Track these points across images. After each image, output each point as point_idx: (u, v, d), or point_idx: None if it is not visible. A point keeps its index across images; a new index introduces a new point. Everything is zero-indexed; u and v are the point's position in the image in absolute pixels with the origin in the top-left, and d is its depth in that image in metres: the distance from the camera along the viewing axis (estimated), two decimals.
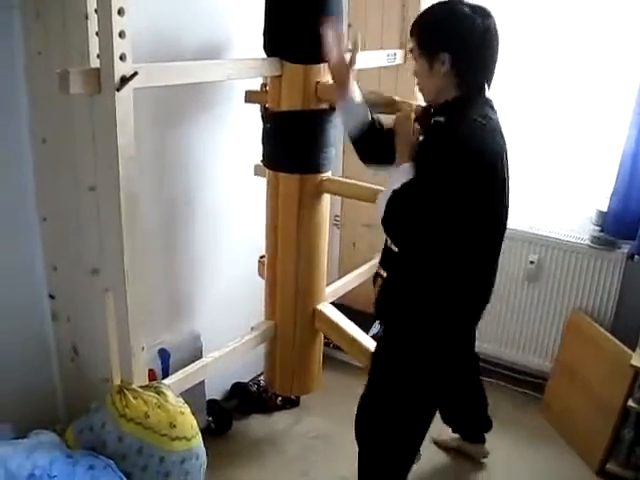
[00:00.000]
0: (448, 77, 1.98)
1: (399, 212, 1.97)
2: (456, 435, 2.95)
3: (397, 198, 1.96)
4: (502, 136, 2.00)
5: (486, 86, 2.04)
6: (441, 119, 2.01)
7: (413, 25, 2.05)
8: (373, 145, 2.29)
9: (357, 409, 2.40)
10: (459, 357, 2.37)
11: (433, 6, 2.04)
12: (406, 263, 2.14)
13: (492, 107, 2.04)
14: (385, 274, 2.22)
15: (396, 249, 2.15)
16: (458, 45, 1.95)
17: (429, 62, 1.99)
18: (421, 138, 2.09)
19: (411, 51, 2.07)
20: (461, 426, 2.92)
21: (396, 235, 2.08)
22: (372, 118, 2.26)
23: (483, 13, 1.95)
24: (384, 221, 2.01)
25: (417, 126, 2.13)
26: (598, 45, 3.00)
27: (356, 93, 2.22)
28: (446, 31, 1.96)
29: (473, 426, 2.91)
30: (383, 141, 2.21)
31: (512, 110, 2.95)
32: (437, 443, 3.01)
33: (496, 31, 1.97)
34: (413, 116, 2.15)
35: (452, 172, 1.89)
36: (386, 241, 2.23)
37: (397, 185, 1.96)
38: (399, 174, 2.01)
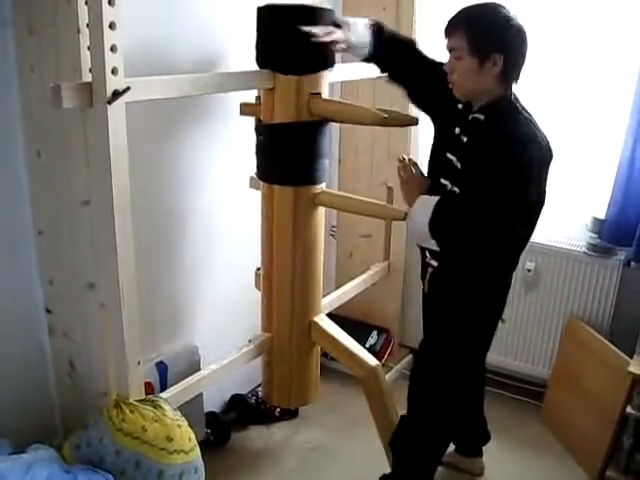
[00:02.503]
0: (496, 77, 2.08)
1: (452, 220, 2.14)
2: (451, 449, 2.93)
3: (450, 205, 2.14)
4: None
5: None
6: (480, 117, 2.15)
7: (457, 24, 2.11)
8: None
9: (409, 385, 2.56)
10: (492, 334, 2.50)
11: (476, 7, 2.11)
12: (451, 258, 2.31)
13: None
14: (436, 264, 2.37)
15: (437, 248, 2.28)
16: (512, 47, 2.07)
17: (480, 61, 2.06)
18: (461, 135, 2.20)
19: (453, 49, 2.12)
20: (459, 437, 2.91)
21: (445, 239, 2.20)
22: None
23: (514, 16, 2.08)
24: (433, 226, 2.14)
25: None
26: (594, 51, 3.00)
27: None
28: (501, 33, 2.05)
29: (471, 438, 2.90)
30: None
31: None
32: None
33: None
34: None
35: (508, 175, 2.03)
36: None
37: (429, 209, 2.13)
38: (424, 203, 2.18)
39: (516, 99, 2.17)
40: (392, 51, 2.47)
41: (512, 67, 2.09)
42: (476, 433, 2.88)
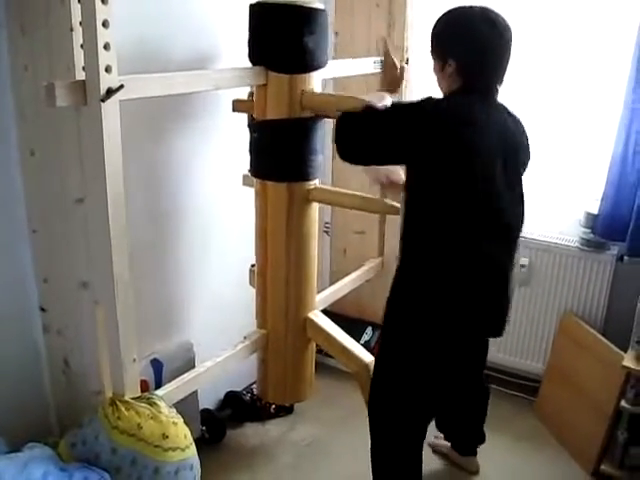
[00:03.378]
0: (454, 78, 2.13)
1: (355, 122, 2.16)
2: (448, 443, 2.96)
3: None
4: (497, 134, 2.10)
5: (495, 89, 2.17)
6: None
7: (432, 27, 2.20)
8: None
9: (369, 396, 2.46)
10: (462, 350, 2.39)
11: (446, 13, 2.16)
12: (403, 247, 2.23)
13: (498, 109, 2.18)
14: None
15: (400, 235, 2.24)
16: (461, 53, 2.11)
17: (440, 65, 2.16)
18: None
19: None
20: (454, 436, 2.92)
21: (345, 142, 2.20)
22: None
23: (490, 20, 2.08)
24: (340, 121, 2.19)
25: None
26: (587, 48, 3.00)
27: None
28: (451, 40, 2.14)
29: (466, 438, 2.90)
30: None
31: None
32: (432, 447, 3.00)
33: (504, 37, 2.10)
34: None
35: (413, 114, 2.05)
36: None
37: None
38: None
39: (490, 103, 2.15)
40: None
41: (468, 72, 2.11)
42: (471, 435, 2.88)
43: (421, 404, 2.37)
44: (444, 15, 2.16)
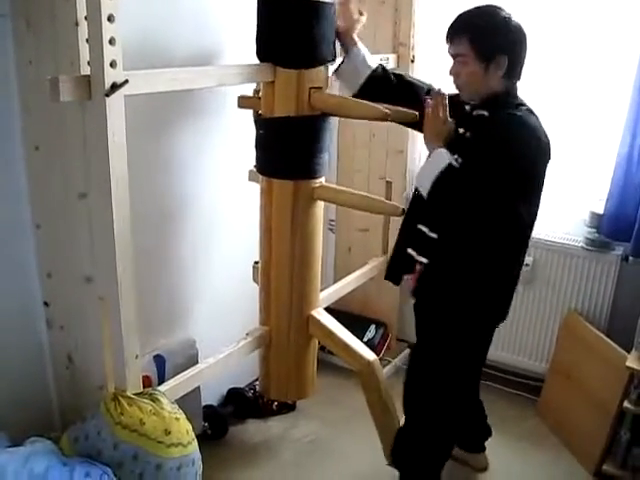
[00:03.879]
0: (501, 77, 2.14)
1: (449, 190, 2.11)
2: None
3: (449, 177, 2.08)
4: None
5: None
6: (484, 113, 2.18)
7: (460, 30, 2.15)
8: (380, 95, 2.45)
9: (403, 389, 2.54)
10: (490, 337, 2.50)
11: (476, 11, 2.15)
12: (446, 250, 2.26)
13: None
14: (426, 261, 2.32)
15: (434, 235, 2.26)
16: (514, 47, 2.14)
17: (486, 65, 2.12)
18: (465, 132, 2.21)
19: (457, 55, 2.16)
20: (461, 432, 2.91)
21: (440, 211, 2.21)
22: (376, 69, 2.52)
23: (512, 16, 2.14)
24: (431, 195, 2.13)
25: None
26: (593, 47, 3.00)
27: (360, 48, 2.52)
28: (504, 36, 2.12)
29: (472, 433, 2.91)
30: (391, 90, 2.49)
31: None
32: None
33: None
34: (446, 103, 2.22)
35: (508, 151, 2.05)
36: (423, 231, 2.33)
37: (437, 169, 2.09)
38: (438, 158, 2.13)
39: (516, 96, 2.22)
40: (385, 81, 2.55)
41: (515, 66, 2.15)
42: (477, 429, 2.88)
43: (458, 389, 2.45)
44: (473, 12, 2.15)
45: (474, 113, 2.22)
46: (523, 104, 2.19)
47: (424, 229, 2.31)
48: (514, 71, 2.16)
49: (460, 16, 2.17)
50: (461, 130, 2.22)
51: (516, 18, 2.13)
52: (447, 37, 2.18)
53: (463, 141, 2.19)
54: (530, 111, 2.17)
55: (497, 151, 2.04)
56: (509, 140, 2.06)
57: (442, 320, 2.34)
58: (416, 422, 2.49)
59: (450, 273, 2.26)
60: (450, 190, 2.10)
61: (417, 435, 2.49)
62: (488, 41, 2.12)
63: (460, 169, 2.07)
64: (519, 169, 2.06)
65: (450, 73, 2.22)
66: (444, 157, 2.10)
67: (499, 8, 2.14)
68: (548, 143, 2.14)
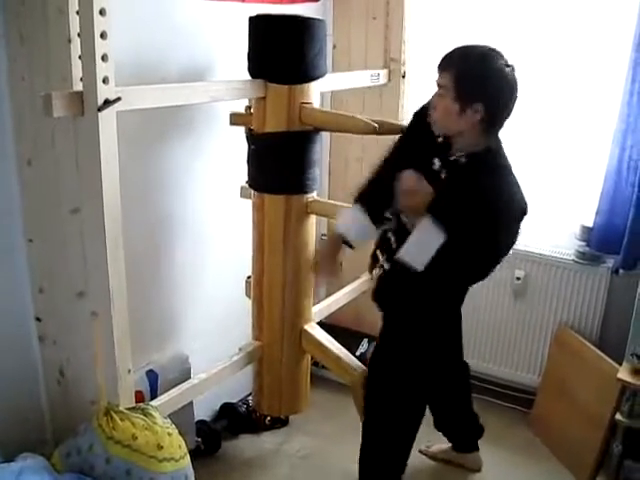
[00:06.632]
0: (476, 125, 2.06)
1: (442, 271, 2.11)
2: (447, 446, 2.97)
3: (440, 262, 2.06)
4: None
5: None
6: (462, 160, 2.14)
7: (449, 63, 2.08)
8: None
9: (365, 395, 2.56)
10: (448, 339, 2.56)
11: (474, 50, 2.08)
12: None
13: None
14: (387, 267, 2.35)
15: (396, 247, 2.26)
16: (494, 100, 2.04)
17: (461, 107, 2.05)
18: (440, 172, 2.19)
19: (440, 86, 2.11)
20: (453, 433, 2.93)
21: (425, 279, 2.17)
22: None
23: (509, 63, 2.04)
24: (423, 274, 2.10)
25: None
26: (582, 61, 3.03)
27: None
28: (488, 85, 2.03)
29: (465, 432, 2.93)
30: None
31: None
32: (426, 454, 3.02)
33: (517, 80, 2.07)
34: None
35: (490, 226, 2.04)
36: (389, 238, 2.37)
37: (431, 248, 2.04)
38: (427, 237, 2.07)
39: (498, 147, 2.17)
40: None
41: (494, 118, 2.08)
42: (468, 428, 2.90)
43: (421, 382, 2.44)
44: (469, 51, 2.08)
45: (452, 157, 2.17)
46: (502, 164, 2.15)
47: (392, 239, 2.34)
48: (492, 124, 2.09)
49: (457, 49, 2.09)
50: (436, 164, 2.20)
51: (514, 71, 2.04)
52: (438, 66, 2.12)
53: (437, 179, 2.16)
54: (509, 171, 2.15)
55: (478, 222, 2.03)
56: (487, 213, 2.03)
57: (398, 323, 2.39)
58: (374, 422, 2.50)
59: (407, 282, 2.25)
60: (444, 260, 2.08)
61: (376, 439, 2.50)
62: (470, 84, 2.03)
63: (452, 242, 2.04)
64: (491, 238, 2.08)
65: (430, 101, 2.19)
66: (434, 235, 2.04)
67: (499, 55, 2.03)
68: (523, 208, 2.15)
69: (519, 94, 2.07)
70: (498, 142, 2.17)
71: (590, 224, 3.07)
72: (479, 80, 2.03)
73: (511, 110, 2.08)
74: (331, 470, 2.93)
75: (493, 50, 2.05)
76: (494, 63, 2.02)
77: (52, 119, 1.80)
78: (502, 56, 2.04)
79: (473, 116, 2.04)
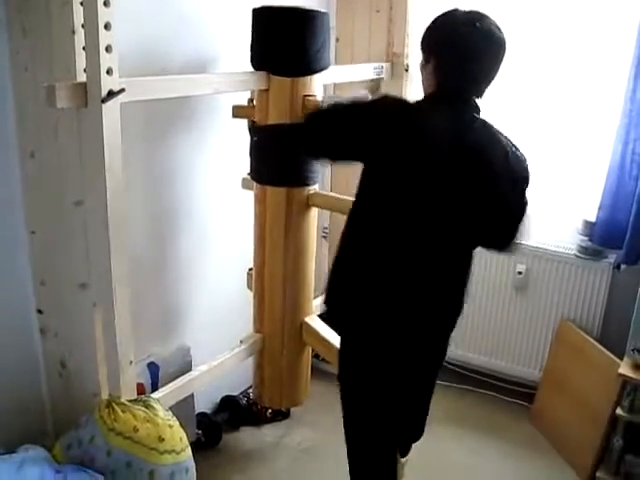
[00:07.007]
0: (431, 79, 2.06)
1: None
2: None
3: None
4: (458, 158, 1.94)
5: (471, 100, 2.04)
6: None
7: None
8: None
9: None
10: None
11: (442, 13, 2.07)
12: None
13: (472, 126, 2.02)
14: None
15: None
16: (441, 52, 2.02)
17: (424, 60, 2.07)
18: None
19: None
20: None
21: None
22: None
23: (474, 23, 1.96)
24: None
25: None
26: (584, 56, 3.03)
27: None
28: (434, 39, 2.05)
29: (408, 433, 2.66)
30: None
31: (498, 121, 2.96)
32: None
33: (488, 42, 1.97)
34: None
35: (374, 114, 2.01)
36: None
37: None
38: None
39: (462, 107, 2.03)
40: None
41: (445, 72, 2.01)
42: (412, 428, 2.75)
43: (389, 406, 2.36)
44: (437, 16, 2.09)
45: None
46: (441, 109, 2.01)
47: None
48: (446, 76, 2.01)
49: None
50: None
51: (481, 32, 1.94)
52: None
53: None
54: (427, 109, 2.04)
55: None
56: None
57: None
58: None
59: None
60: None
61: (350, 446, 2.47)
62: (423, 38, 2.07)
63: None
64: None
65: None
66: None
67: (460, 14, 1.99)
68: (415, 129, 1.95)
69: (483, 55, 1.98)
70: (452, 101, 2.03)
71: (593, 219, 3.08)
72: (429, 35, 2.07)
73: (464, 67, 1.99)
74: (331, 463, 2.93)
75: (463, 11, 2.01)
76: (448, 21, 2.02)
77: (55, 111, 1.79)
78: (471, 12, 1.99)
79: (427, 68, 2.06)
